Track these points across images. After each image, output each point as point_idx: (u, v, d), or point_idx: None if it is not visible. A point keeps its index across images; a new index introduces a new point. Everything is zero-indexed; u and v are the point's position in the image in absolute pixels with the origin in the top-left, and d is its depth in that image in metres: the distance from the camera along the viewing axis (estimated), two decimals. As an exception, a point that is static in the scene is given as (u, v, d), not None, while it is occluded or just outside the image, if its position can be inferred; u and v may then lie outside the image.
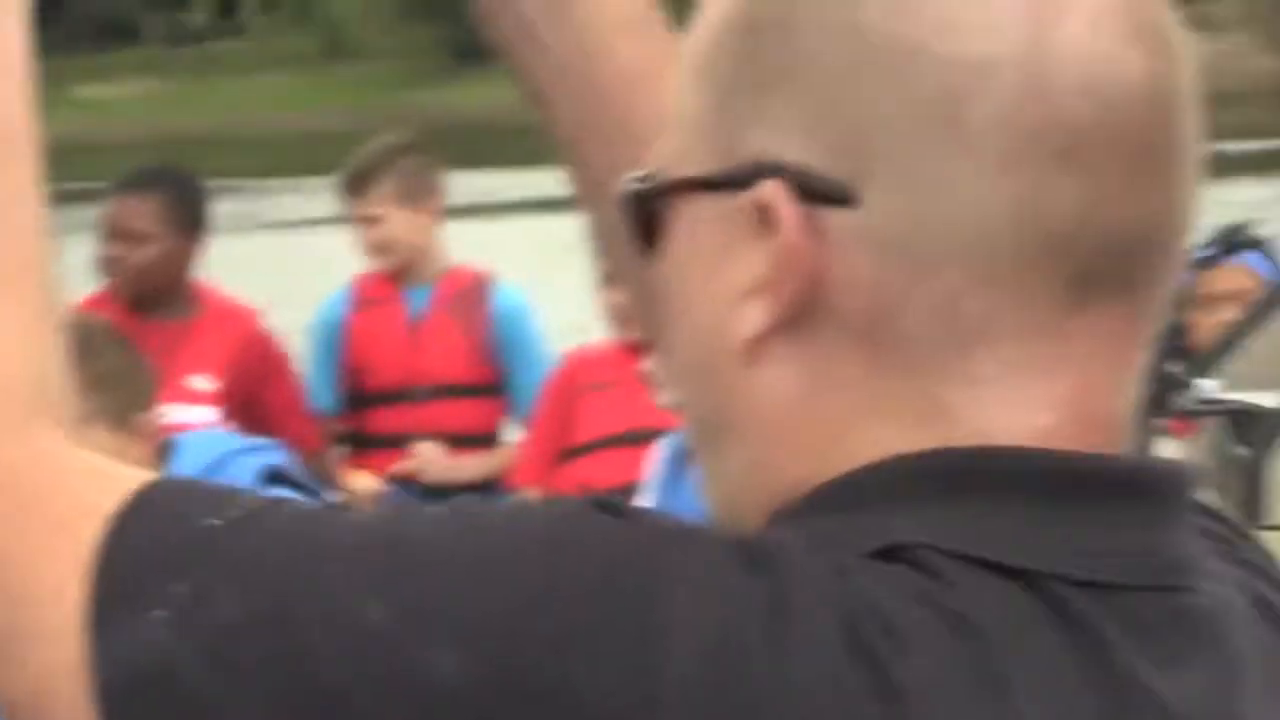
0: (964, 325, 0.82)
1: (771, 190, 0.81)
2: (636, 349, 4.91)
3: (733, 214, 0.84)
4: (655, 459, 4.49)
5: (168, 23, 68.97)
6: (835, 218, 0.81)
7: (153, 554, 0.83)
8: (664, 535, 0.78)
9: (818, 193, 0.82)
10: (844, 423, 0.85)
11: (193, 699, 0.78)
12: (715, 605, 0.74)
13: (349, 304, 6.06)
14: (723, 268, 0.86)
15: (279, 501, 0.87)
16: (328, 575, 0.79)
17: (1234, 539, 0.94)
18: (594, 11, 1.23)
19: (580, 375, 5.41)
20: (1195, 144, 0.84)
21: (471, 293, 5.97)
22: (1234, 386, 3.42)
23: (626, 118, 1.21)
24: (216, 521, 0.82)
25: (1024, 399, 0.83)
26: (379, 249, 5.93)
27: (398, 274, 5.94)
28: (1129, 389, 0.85)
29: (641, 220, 0.92)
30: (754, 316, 0.83)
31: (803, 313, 0.82)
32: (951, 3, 0.82)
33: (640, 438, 4.89)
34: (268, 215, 26.42)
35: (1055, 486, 0.82)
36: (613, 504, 0.80)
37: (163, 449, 3.63)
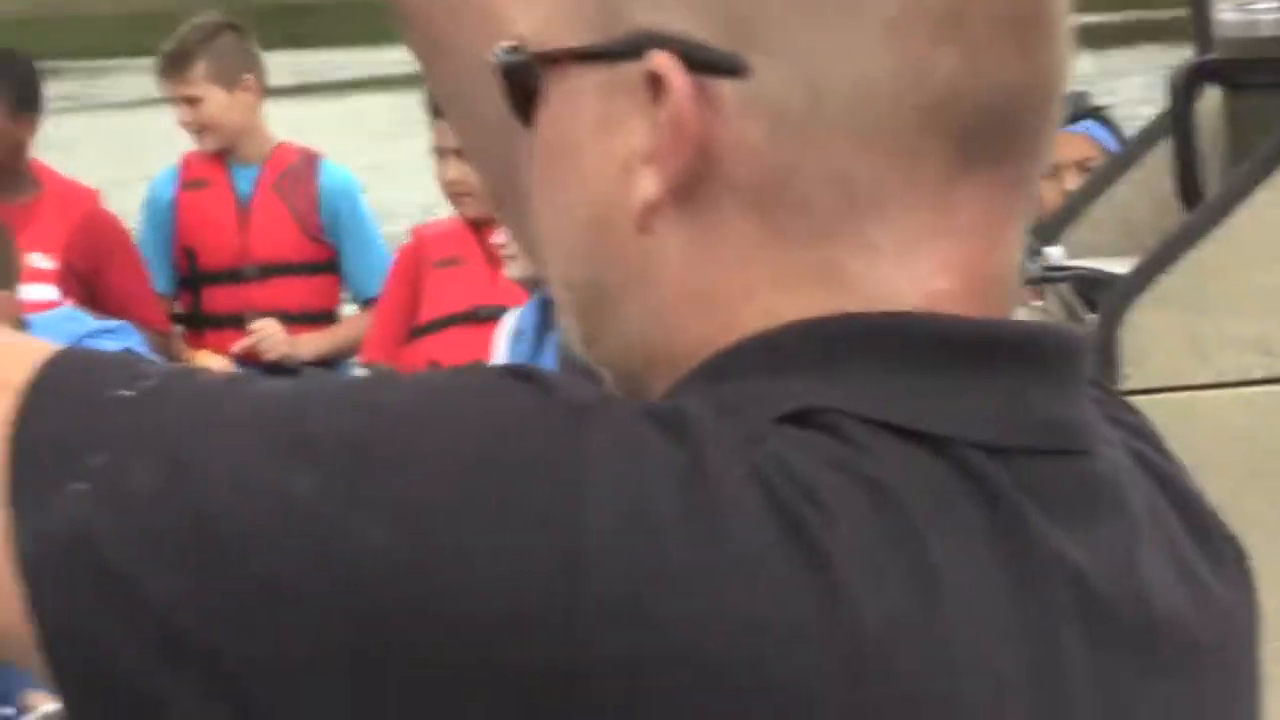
0: (856, 194, 0.84)
1: (661, 60, 0.82)
2: (481, 225, 4.92)
3: (618, 85, 0.86)
4: (501, 335, 4.49)
5: (-10, -95, 67.30)
6: (725, 88, 0.82)
7: (68, 427, 0.83)
8: (574, 403, 0.78)
9: (706, 63, 0.83)
10: (741, 290, 0.87)
11: (111, 569, 0.78)
12: (632, 471, 0.75)
13: (176, 183, 6.10)
14: (609, 138, 0.87)
15: (189, 371, 0.86)
16: (242, 443, 0.79)
17: (1110, 401, 0.95)
18: None
19: (427, 251, 5.36)
20: (1064, 12, 0.86)
21: (298, 171, 5.99)
22: (1078, 254, 3.43)
23: None
24: (128, 392, 0.82)
25: (918, 265, 0.85)
26: (199, 129, 5.99)
27: (222, 154, 5.98)
28: (1014, 254, 0.87)
29: (516, 92, 0.92)
30: (646, 185, 0.84)
31: (695, 181, 0.83)
32: None
33: (487, 315, 4.87)
34: (101, 96, 25.97)
35: (958, 351, 0.84)
36: (524, 371, 0.80)
37: (16, 328, 3.65)
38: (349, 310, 6.14)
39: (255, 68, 6.17)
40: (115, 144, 17.97)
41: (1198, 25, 3.32)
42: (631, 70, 0.83)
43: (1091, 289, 3.18)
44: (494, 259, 4.80)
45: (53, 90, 6.68)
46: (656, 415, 0.77)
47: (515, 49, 0.90)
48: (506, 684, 0.74)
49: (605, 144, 0.86)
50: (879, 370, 0.82)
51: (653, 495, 0.73)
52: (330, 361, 5.84)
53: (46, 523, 0.79)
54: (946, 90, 0.82)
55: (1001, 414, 0.82)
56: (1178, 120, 3.17)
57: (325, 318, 6.06)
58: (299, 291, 5.94)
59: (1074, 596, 0.81)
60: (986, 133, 0.83)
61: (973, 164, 0.83)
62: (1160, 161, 3.31)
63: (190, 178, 6.02)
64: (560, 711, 0.74)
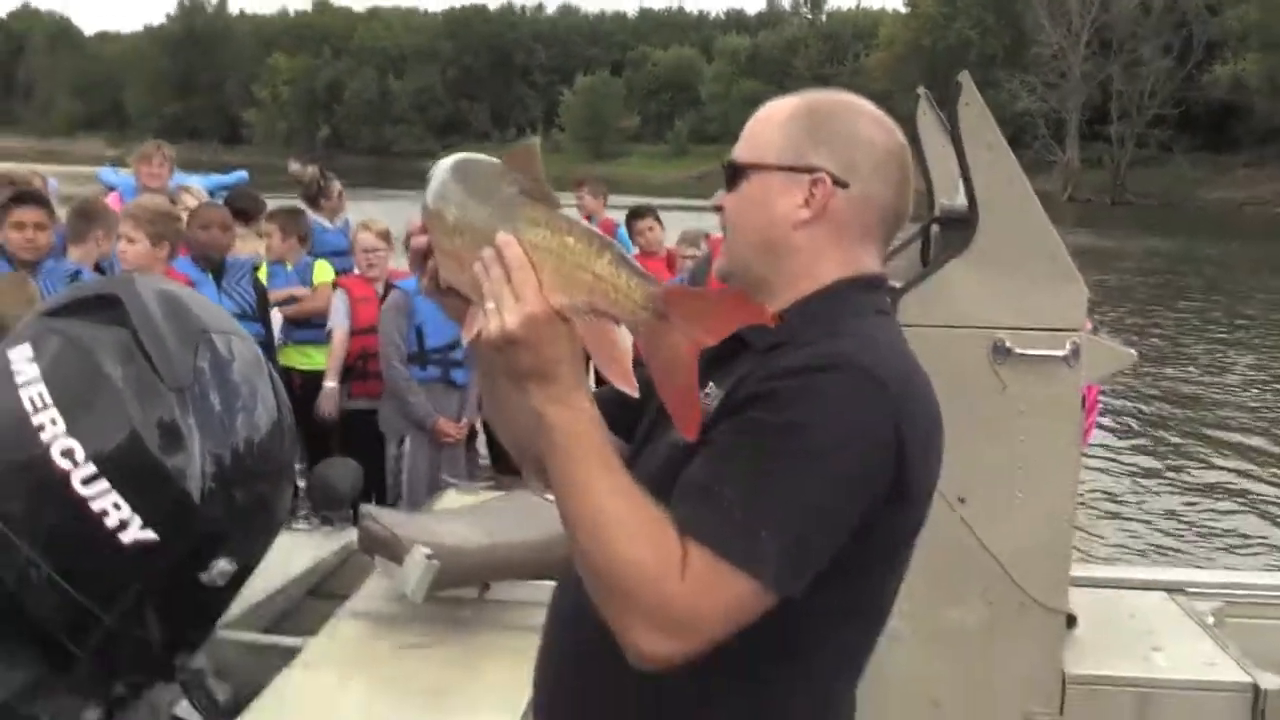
0: (865, 235, 1.63)
1: (825, 176, 1.60)
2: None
3: (795, 180, 1.61)
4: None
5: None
6: (838, 189, 1.60)
7: (756, 550, 1.38)
8: (853, 361, 1.48)
9: (835, 180, 1.60)
10: (828, 263, 1.62)
11: (802, 550, 1.41)
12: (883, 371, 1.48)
13: None
14: (787, 197, 1.61)
15: (750, 476, 1.42)
16: (809, 471, 1.41)
17: None
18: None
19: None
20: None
21: None
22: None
23: None
24: (739, 514, 1.39)
25: (874, 262, 1.65)
26: None
27: None
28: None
29: (730, 174, 1.66)
30: (803, 214, 1.61)
31: (820, 216, 1.61)
32: (882, 133, 1.65)
33: None
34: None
35: (884, 285, 1.68)
36: (833, 361, 1.48)
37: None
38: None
39: None
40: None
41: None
42: (804, 177, 1.61)
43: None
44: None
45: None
46: (858, 351, 1.50)
47: (733, 159, 1.66)
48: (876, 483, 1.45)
49: (785, 199, 1.61)
50: (874, 293, 1.64)
51: (888, 369, 1.48)
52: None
53: (770, 563, 1.39)
54: (894, 209, 1.66)
55: (888, 305, 1.68)
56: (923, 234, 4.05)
57: None
58: None
59: None
60: (894, 229, 1.68)
61: (889, 235, 1.67)
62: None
63: None
64: (892, 490, 1.45)
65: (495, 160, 1.47)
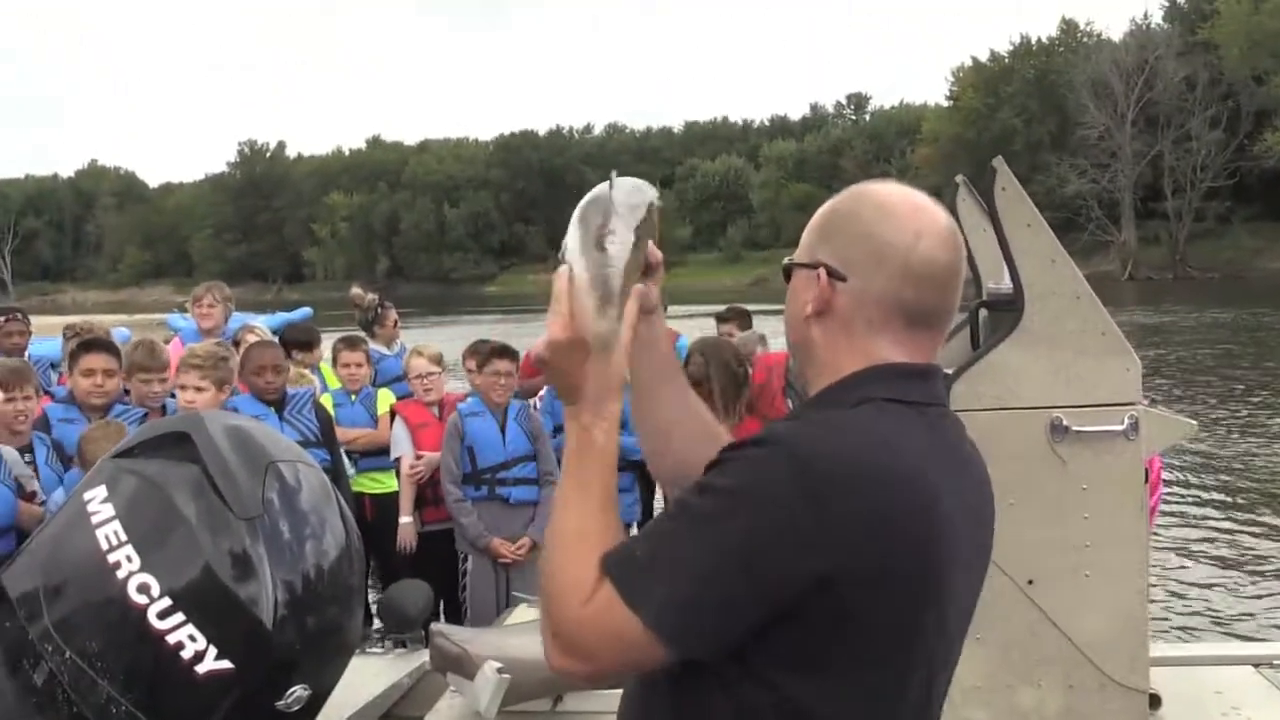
0: (872, 328, 1.61)
1: (823, 270, 1.62)
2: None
3: (811, 276, 1.64)
4: None
5: None
6: (839, 284, 1.61)
7: (643, 591, 1.46)
8: (781, 439, 1.50)
9: (832, 273, 1.62)
10: (844, 355, 1.62)
11: (686, 603, 1.43)
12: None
13: None
14: (805, 291, 1.65)
15: (648, 539, 1.51)
16: (701, 532, 1.44)
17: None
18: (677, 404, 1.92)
19: None
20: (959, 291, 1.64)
21: None
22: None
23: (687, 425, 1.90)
24: (641, 554, 1.48)
25: (895, 352, 1.60)
26: None
27: None
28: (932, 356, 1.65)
29: (785, 271, 1.71)
30: (809, 308, 1.64)
31: (823, 310, 1.63)
32: (887, 225, 1.61)
33: None
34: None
35: (913, 374, 1.61)
36: (761, 438, 1.50)
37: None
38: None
39: None
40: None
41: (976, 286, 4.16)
42: (813, 273, 1.64)
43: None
44: None
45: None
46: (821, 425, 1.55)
47: (788, 261, 1.71)
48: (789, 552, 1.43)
49: (801, 296, 1.66)
50: (889, 383, 1.59)
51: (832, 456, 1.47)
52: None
53: (652, 606, 1.46)
54: (902, 301, 1.60)
55: (925, 393, 1.61)
56: (972, 319, 4.06)
57: None
58: None
59: (963, 448, 1.65)
60: (920, 320, 1.62)
61: (914, 325, 1.61)
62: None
63: None
64: (819, 558, 1.42)
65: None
